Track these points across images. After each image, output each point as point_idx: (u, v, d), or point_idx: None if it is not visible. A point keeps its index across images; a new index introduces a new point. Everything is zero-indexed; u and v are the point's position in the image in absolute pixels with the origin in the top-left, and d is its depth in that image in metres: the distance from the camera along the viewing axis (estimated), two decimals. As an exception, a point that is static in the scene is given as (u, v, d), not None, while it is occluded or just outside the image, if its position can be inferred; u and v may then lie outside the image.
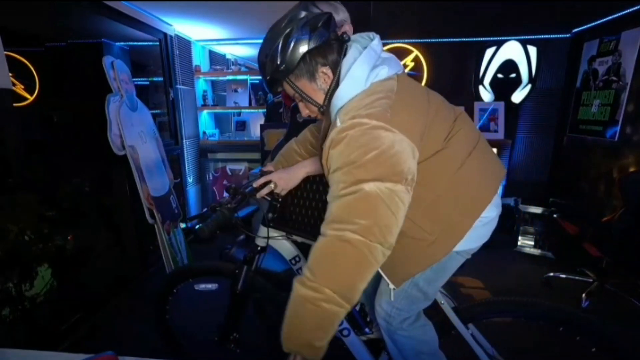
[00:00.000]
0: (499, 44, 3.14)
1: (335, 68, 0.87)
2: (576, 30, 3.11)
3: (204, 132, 3.60)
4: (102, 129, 1.99)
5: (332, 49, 0.87)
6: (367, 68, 0.85)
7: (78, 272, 1.90)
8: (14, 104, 1.62)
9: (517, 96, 3.23)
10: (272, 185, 1.15)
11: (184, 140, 3.27)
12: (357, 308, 1.34)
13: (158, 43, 2.84)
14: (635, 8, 2.45)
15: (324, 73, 0.87)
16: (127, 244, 2.36)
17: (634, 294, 2.18)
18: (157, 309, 1.48)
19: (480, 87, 3.29)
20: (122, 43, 3.10)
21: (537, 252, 2.94)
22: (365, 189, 0.75)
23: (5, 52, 1.51)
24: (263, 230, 1.22)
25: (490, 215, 0.96)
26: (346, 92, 0.84)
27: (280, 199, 1.21)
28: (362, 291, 0.80)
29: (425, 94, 0.93)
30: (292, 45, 0.84)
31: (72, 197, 1.87)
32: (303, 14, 0.88)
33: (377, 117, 0.77)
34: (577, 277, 2.39)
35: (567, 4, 3.04)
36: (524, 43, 3.09)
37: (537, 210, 2.92)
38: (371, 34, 0.93)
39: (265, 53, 0.88)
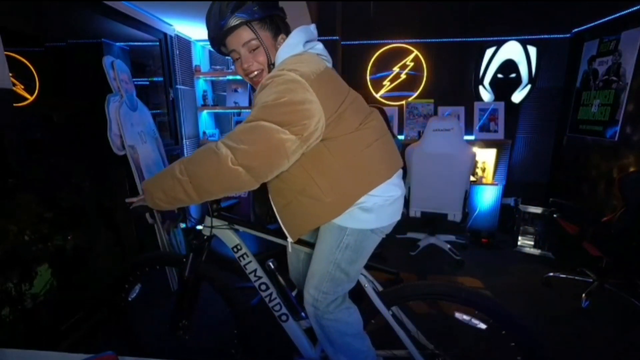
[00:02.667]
0: (499, 44, 3.14)
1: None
2: (576, 30, 3.11)
3: (204, 132, 3.59)
4: (102, 129, 1.99)
5: (287, 25, 1.09)
6: (303, 37, 1.03)
7: (78, 272, 1.90)
8: (14, 104, 1.62)
9: (517, 96, 3.23)
10: None
11: (184, 140, 3.27)
12: (294, 294, 1.39)
13: (158, 43, 2.84)
14: (635, 8, 2.45)
15: (282, 39, 1.06)
16: (127, 244, 2.36)
17: (634, 294, 2.18)
18: (113, 297, 1.53)
19: (480, 87, 3.29)
20: (122, 43, 3.10)
21: (537, 252, 2.94)
22: (261, 124, 0.89)
23: (5, 52, 1.51)
24: (208, 220, 1.32)
25: (393, 194, 1.09)
26: (285, 51, 1.01)
27: None
28: (214, 194, 0.97)
29: (348, 88, 1.09)
30: (261, 2, 1.00)
31: (72, 197, 1.87)
32: None
33: (302, 74, 0.91)
34: (577, 277, 2.38)
35: (567, 4, 3.05)
36: (524, 43, 3.09)
37: (537, 210, 2.92)
38: (313, 25, 1.10)
39: None
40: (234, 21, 0.98)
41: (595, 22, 2.87)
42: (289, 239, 1.13)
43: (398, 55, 3.40)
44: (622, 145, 2.54)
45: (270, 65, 1.05)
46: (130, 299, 1.54)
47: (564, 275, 2.44)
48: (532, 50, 3.10)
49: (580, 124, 3.04)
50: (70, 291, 1.81)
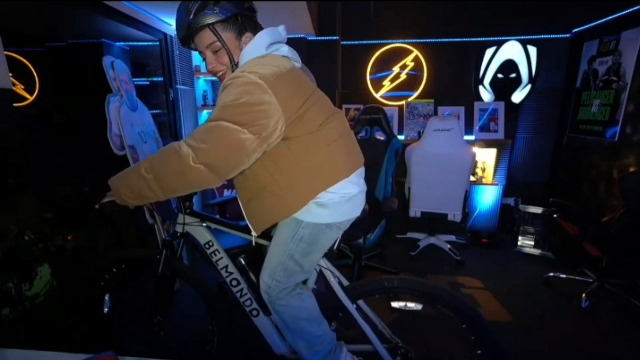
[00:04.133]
0: (499, 44, 3.14)
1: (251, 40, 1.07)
2: (576, 30, 3.11)
3: (204, 132, 3.59)
4: (102, 129, 1.98)
5: (255, 23, 1.10)
6: (269, 39, 1.05)
7: (78, 272, 1.90)
8: (14, 104, 1.62)
9: (517, 96, 3.23)
10: None
11: (184, 140, 3.27)
12: None
13: (158, 43, 2.84)
14: (635, 8, 2.45)
15: (248, 37, 1.07)
16: (127, 244, 2.36)
17: (634, 294, 2.18)
18: (91, 292, 1.56)
19: (480, 87, 3.29)
20: (122, 43, 3.10)
21: (537, 252, 2.94)
22: (220, 124, 0.93)
23: (5, 52, 1.51)
24: (181, 218, 1.35)
25: (350, 192, 1.12)
26: (248, 53, 1.04)
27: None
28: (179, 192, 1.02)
29: (313, 88, 1.11)
30: (226, 2, 1.01)
31: (72, 197, 1.87)
32: None
33: (261, 77, 0.94)
34: (577, 277, 2.39)
35: (567, 4, 3.05)
36: (524, 43, 3.09)
37: (537, 210, 2.92)
38: (282, 27, 1.13)
39: None
40: (196, 24, 1.01)
41: (595, 22, 2.87)
42: (253, 233, 1.18)
43: (398, 55, 3.40)
44: (622, 145, 2.54)
45: (234, 65, 1.07)
46: (105, 311, 1.54)
47: (564, 275, 2.44)
48: (532, 50, 3.10)
49: (580, 124, 3.04)
50: (70, 291, 1.81)
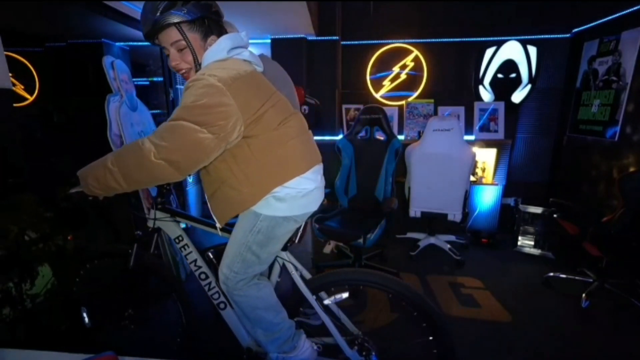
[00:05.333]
0: (499, 44, 3.14)
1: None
2: (576, 30, 3.11)
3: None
4: (102, 129, 1.98)
5: (220, 27, 1.14)
6: (230, 43, 1.09)
7: (78, 272, 1.90)
8: (14, 104, 1.62)
9: (517, 96, 3.23)
10: None
11: (184, 140, 3.27)
12: None
13: (158, 43, 2.84)
14: (635, 8, 2.45)
15: (213, 40, 1.10)
16: (127, 242, 2.35)
17: (634, 294, 2.18)
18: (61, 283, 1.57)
19: (480, 87, 3.29)
20: (122, 43, 3.10)
21: (537, 252, 2.94)
22: (180, 123, 0.98)
23: (5, 52, 1.51)
24: (152, 213, 1.40)
25: (306, 187, 1.18)
26: (210, 56, 1.08)
27: (168, 186, 1.45)
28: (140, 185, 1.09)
29: (272, 91, 1.15)
30: (194, 3, 1.04)
31: (72, 197, 1.87)
32: None
33: (219, 79, 0.99)
34: (577, 277, 2.39)
35: (567, 4, 3.06)
36: (524, 43, 3.09)
37: (537, 210, 2.92)
38: (244, 32, 1.18)
39: None
40: (163, 21, 1.04)
41: (595, 22, 2.87)
42: (217, 225, 1.25)
43: (398, 55, 3.39)
44: (622, 145, 2.54)
45: (197, 65, 1.11)
46: (87, 325, 1.57)
47: (564, 275, 2.44)
48: (532, 50, 3.10)
49: (580, 124, 3.04)
50: (71, 291, 1.80)
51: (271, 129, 1.11)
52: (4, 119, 1.52)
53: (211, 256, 1.42)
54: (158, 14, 1.03)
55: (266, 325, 1.27)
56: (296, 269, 1.34)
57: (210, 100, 0.98)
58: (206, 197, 1.24)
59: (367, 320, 1.97)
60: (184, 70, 1.13)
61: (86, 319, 1.58)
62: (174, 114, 1.01)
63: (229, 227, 1.30)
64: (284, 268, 1.37)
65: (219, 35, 1.11)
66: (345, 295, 1.36)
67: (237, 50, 1.11)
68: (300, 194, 1.17)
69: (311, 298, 1.32)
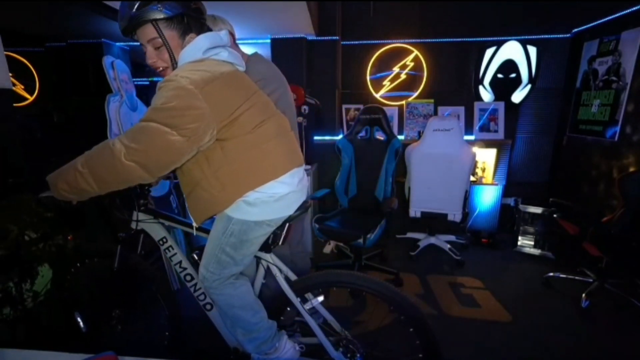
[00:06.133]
0: (499, 44, 3.14)
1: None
2: (576, 30, 3.11)
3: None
4: (102, 128, 1.98)
5: (202, 25, 1.12)
6: (207, 43, 1.07)
7: (78, 272, 1.90)
8: (14, 104, 1.62)
9: (517, 96, 3.23)
10: None
11: (184, 140, 3.27)
12: None
13: (158, 43, 2.84)
14: (635, 8, 2.45)
15: (191, 38, 1.08)
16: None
17: (634, 294, 2.18)
18: (57, 285, 1.59)
19: (480, 87, 3.29)
20: (122, 43, 3.10)
21: (537, 252, 2.94)
22: (150, 125, 0.97)
23: (5, 52, 1.51)
24: (135, 215, 1.39)
25: (279, 192, 1.16)
26: (185, 55, 1.06)
27: (150, 188, 1.45)
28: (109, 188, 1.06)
29: (250, 92, 1.13)
30: (172, 1, 1.03)
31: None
32: None
33: (192, 82, 0.97)
34: (577, 277, 2.39)
35: (567, 4, 3.06)
36: (524, 43, 3.09)
37: (537, 210, 2.92)
38: (224, 31, 1.16)
39: None
40: (138, 18, 1.02)
41: (595, 22, 2.87)
42: (194, 225, 1.26)
43: (398, 55, 3.39)
44: (622, 145, 2.54)
45: (175, 64, 1.09)
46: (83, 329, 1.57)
47: (564, 275, 2.44)
48: (532, 50, 3.10)
49: (580, 124, 3.04)
50: (71, 291, 1.80)
51: (246, 131, 1.09)
52: (4, 119, 1.52)
53: (196, 257, 1.42)
54: (134, 10, 1.01)
55: (244, 324, 1.27)
56: (280, 271, 1.33)
57: (180, 102, 0.96)
58: (184, 197, 1.23)
59: (363, 322, 1.97)
60: (160, 69, 1.11)
61: (81, 324, 1.58)
62: (145, 114, 1.00)
63: (206, 228, 1.30)
64: (268, 270, 1.36)
65: (199, 33, 1.09)
66: (320, 298, 1.36)
67: (215, 51, 1.09)
68: (272, 198, 1.15)
69: (295, 300, 1.31)
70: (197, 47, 1.06)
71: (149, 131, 0.97)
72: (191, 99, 0.97)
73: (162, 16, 1.02)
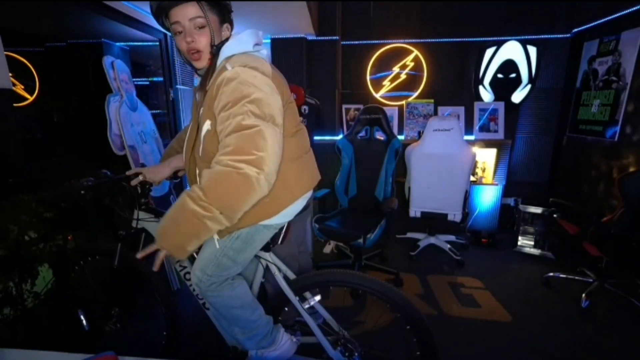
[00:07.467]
0: (499, 44, 3.13)
1: (229, 33, 1.11)
2: (576, 30, 3.11)
3: (204, 132, 3.59)
4: (102, 129, 1.98)
5: (232, 21, 1.12)
6: (253, 39, 1.06)
7: (78, 272, 1.90)
8: (14, 104, 1.62)
9: (517, 96, 3.23)
10: (140, 177, 1.39)
11: (184, 140, 3.27)
12: None
13: (158, 43, 2.83)
14: (635, 8, 2.45)
15: (227, 28, 1.10)
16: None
17: (634, 294, 2.18)
18: (59, 284, 1.60)
19: (480, 87, 3.29)
20: (122, 43, 3.10)
21: (537, 252, 2.94)
22: (261, 127, 0.88)
23: (5, 52, 1.51)
24: (135, 213, 1.40)
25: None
26: (234, 45, 1.03)
27: (151, 187, 1.46)
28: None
29: (285, 92, 1.09)
30: None
31: (72, 197, 1.87)
32: None
33: (263, 72, 0.97)
34: (577, 277, 2.39)
35: (567, 4, 3.06)
36: (524, 43, 3.09)
37: (537, 210, 2.92)
38: (261, 31, 1.14)
39: None
40: None
41: (595, 22, 2.87)
42: (215, 237, 1.17)
43: (398, 55, 3.39)
44: (622, 145, 2.54)
45: (213, 47, 1.04)
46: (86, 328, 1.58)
47: (564, 275, 2.44)
48: (532, 50, 3.09)
49: (580, 124, 3.04)
50: (71, 291, 1.80)
51: (289, 132, 1.08)
52: (4, 119, 1.52)
53: (195, 256, 1.43)
54: None
55: (243, 323, 1.26)
56: (279, 269, 1.34)
57: (266, 88, 0.95)
58: None
59: (362, 322, 1.97)
60: (196, 51, 1.03)
61: (84, 322, 1.59)
62: (240, 116, 0.89)
63: None
64: (267, 269, 1.36)
65: (231, 28, 1.10)
66: (318, 297, 1.37)
67: (258, 47, 1.09)
68: None
69: (294, 299, 1.32)
70: (247, 39, 1.05)
71: (262, 134, 0.88)
72: (271, 85, 0.97)
73: None
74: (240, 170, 0.86)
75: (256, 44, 1.07)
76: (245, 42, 1.04)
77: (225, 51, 1.03)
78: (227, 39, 1.07)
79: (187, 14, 1.00)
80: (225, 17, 1.08)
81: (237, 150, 0.87)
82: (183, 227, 0.90)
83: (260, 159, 0.87)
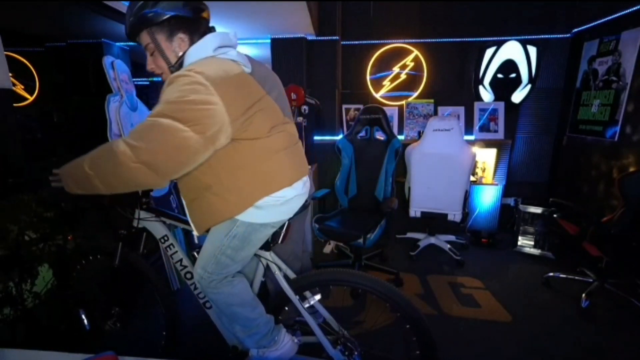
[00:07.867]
0: (499, 44, 3.13)
1: (192, 38, 1.07)
2: (576, 30, 3.11)
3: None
4: (102, 129, 1.98)
5: (198, 24, 1.08)
6: (217, 41, 1.05)
7: (78, 272, 1.90)
8: (14, 104, 1.62)
9: (517, 96, 3.23)
10: None
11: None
12: None
13: (158, 43, 2.84)
14: (635, 8, 2.45)
15: (181, 39, 1.07)
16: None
17: (634, 294, 2.18)
18: (59, 284, 1.62)
19: (480, 87, 3.29)
20: (122, 43, 3.10)
21: (537, 252, 2.94)
22: (161, 121, 0.91)
23: (5, 52, 1.51)
24: (137, 213, 1.41)
25: (285, 195, 1.15)
26: (194, 53, 1.03)
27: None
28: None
29: (261, 94, 1.08)
30: (164, 3, 1.02)
31: (72, 197, 1.87)
32: None
33: (207, 77, 0.93)
34: (577, 277, 2.39)
35: (567, 4, 3.06)
36: (524, 43, 3.09)
37: (537, 210, 2.92)
38: (233, 32, 1.14)
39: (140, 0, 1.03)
40: (134, 24, 1.04)
41: (595, 22, 2.87)
42: (194, 233, 1.22)
43: (398, 55, 3.39)
44: (622, 145, 2.54)
45: (171, 68, 1.09)
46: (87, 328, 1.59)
47: (564, 275, 2.44)
48: (532, 50, 3.09)
49: (580, 124, 3.04)
50: (71, 291, 1.80)
51: (261, 135, 1.07)
52: (4, 119, 1.52)
53: (196, 256, 1.44)
54: (131, 17, 1.04)
55: (243, 321, 1.27)
56: (280, 268, 1.34)
57: (196, 97, 0.91)
58: (184, 203, 1.20)
59: (362, 322, 1.97)
60: (159, 72, 1.12)
61: (85, 321, 1.59)
62: (154, 111, 0.94)
63: None
64: (267, 268, 1.37)
65: (194, 33, 1.07)
66: (318, 296, 1.37)
67: (224, 50, 1.06)
68: (279, 202, 1.15)
69: (294, 298, 1.32)
70: (206, 44, 1.04)
71: (160, 128, 0.91)
72: (207, 94, 0.92)
73: (153, 21, 1.03)
74: (117, 147, 0.93)
75: (221, 47, 1.06)
76: (204, 48, 1.04)
77: (187, 60, 1.05)
78: (190, 47, 1.07)
79: (141, 42, 1.08)
80: (180, 26, 1.06)
81: (130, 134, 0.95)
82: (75, 168, 1.02)
83: (137, 148, 0.91)
